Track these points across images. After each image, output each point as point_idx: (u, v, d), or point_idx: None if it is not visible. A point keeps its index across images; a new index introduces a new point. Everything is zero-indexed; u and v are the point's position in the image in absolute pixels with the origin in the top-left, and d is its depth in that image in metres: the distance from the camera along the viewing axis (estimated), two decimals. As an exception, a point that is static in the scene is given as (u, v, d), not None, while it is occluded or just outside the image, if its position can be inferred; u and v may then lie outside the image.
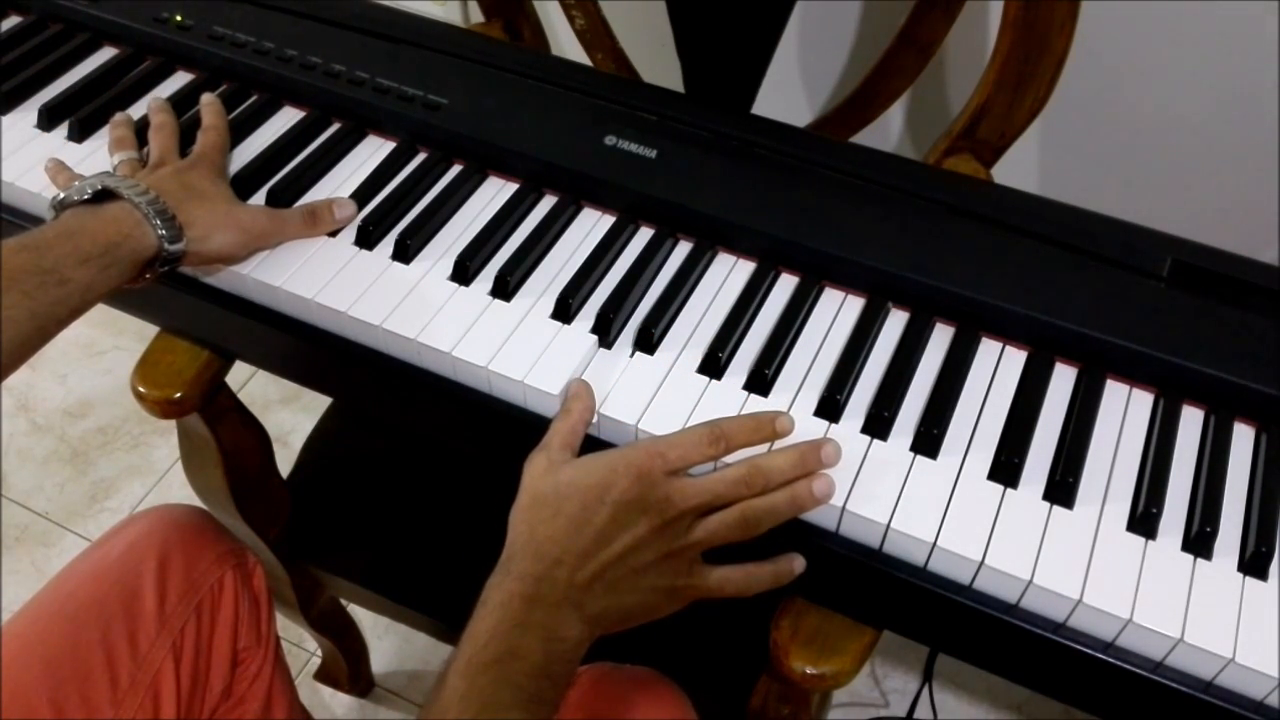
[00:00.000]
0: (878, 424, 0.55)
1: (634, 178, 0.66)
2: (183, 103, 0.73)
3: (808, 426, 0.55)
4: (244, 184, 0.67)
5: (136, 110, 0.72)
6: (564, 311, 0.61)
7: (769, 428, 0.54)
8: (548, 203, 0.68)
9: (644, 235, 0.66)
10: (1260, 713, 0.48)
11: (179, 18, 0.76)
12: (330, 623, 1.05)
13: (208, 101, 0.71)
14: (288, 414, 1.41)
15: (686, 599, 0.53)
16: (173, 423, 0.75)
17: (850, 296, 0.62)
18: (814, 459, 0.52)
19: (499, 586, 0.51)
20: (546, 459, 0.54)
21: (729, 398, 0.57)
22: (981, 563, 0.50)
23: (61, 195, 0.58)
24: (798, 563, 0.53)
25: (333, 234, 0.65)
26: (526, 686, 0.49)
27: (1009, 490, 0.53)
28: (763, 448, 0.54)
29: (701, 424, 0.53)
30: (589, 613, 0.51)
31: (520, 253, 0.63)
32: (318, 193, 0.68)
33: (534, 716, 0.49)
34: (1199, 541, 0.51)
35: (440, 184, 0.68)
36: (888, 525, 0.52)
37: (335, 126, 0.72)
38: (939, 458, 0.54)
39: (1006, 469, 0.54)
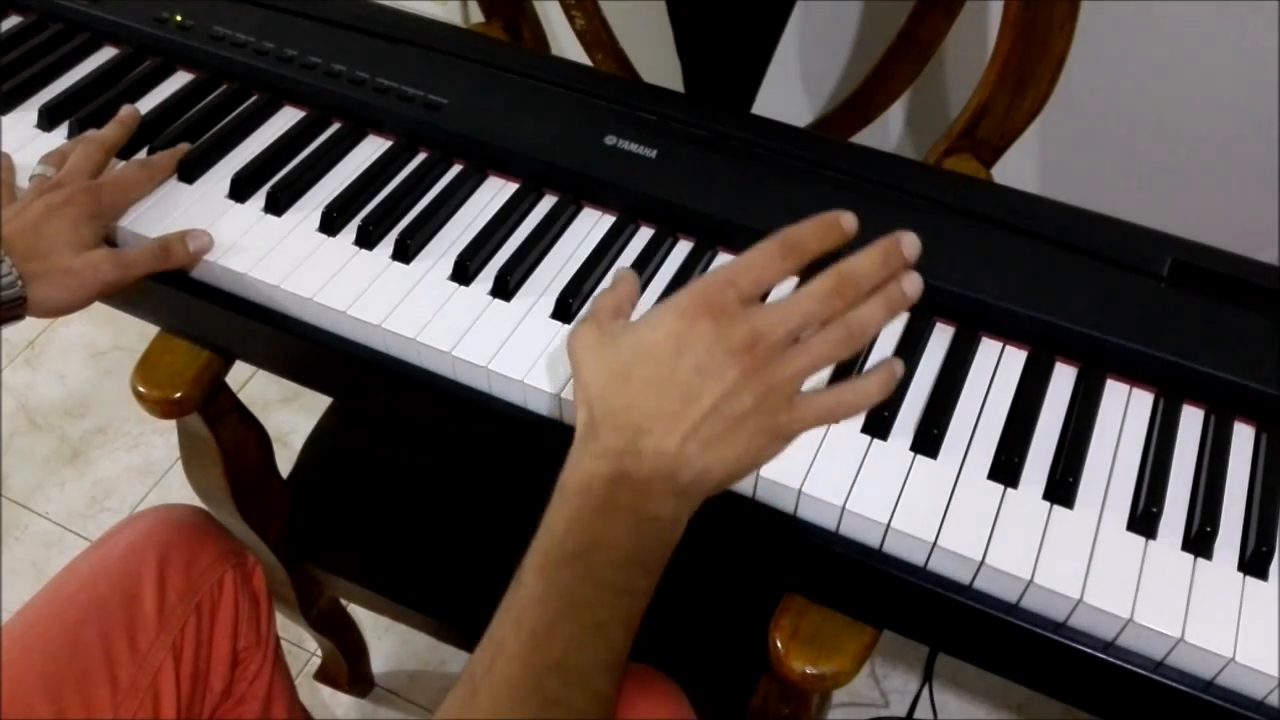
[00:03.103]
0: (878, 424, 0.55)
1: (634, 178, 0.66)
2: (182, 103, 0.73)
3: (808, 426, 0.55)
4: (244, 184, 0.67)
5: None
6: (564, 311, 0.61)
7: (838, 226, 0.48)
8: (548, 203, 0.68)
9: (644, 235, 0.66)
10: (1260, 712, 0.48)
11: (179, 18, 0.76)
12: (330, 623, 1.05)
13: (137, 160, 0.68)
14: (288, 414, 1.41)
15: (792, 435, 0.47)
16: (173, 423, 0.75)
17: (850, 296, 0.62)
18: (896, 254, 0.47)
19: (575, 468, 0.46)
20: (596, 329, 0.48)
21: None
22: (982, 562, 0.50)
23: None
24: (898, 365, 0.48)
25: (332, 234, 0.65)
26: (614, 579, 0.44)
27: (1009, 490, 0.53)
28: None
29: (766, 239, 0.47)
30: (682, 482, 0.45)
31: (520, 253, 0.63)
32: (318, 193, 0.68)
33: (625, 611, 0.45)
34: (1199, 541, 0.51)
35: (440, 184, 0.68)
36: (888, 525, 0.52)
37: (335, 126, 0.72)
38: (939, 457, 0.54)
39: (1007, 468, 0.54)
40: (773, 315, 0.46)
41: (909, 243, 0.47)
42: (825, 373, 0.56)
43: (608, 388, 0.47)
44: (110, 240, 0.66)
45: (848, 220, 0.48)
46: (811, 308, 0.46)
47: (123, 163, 0.69)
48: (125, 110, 0.70)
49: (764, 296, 0.49)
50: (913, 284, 0.47)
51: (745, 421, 0.45)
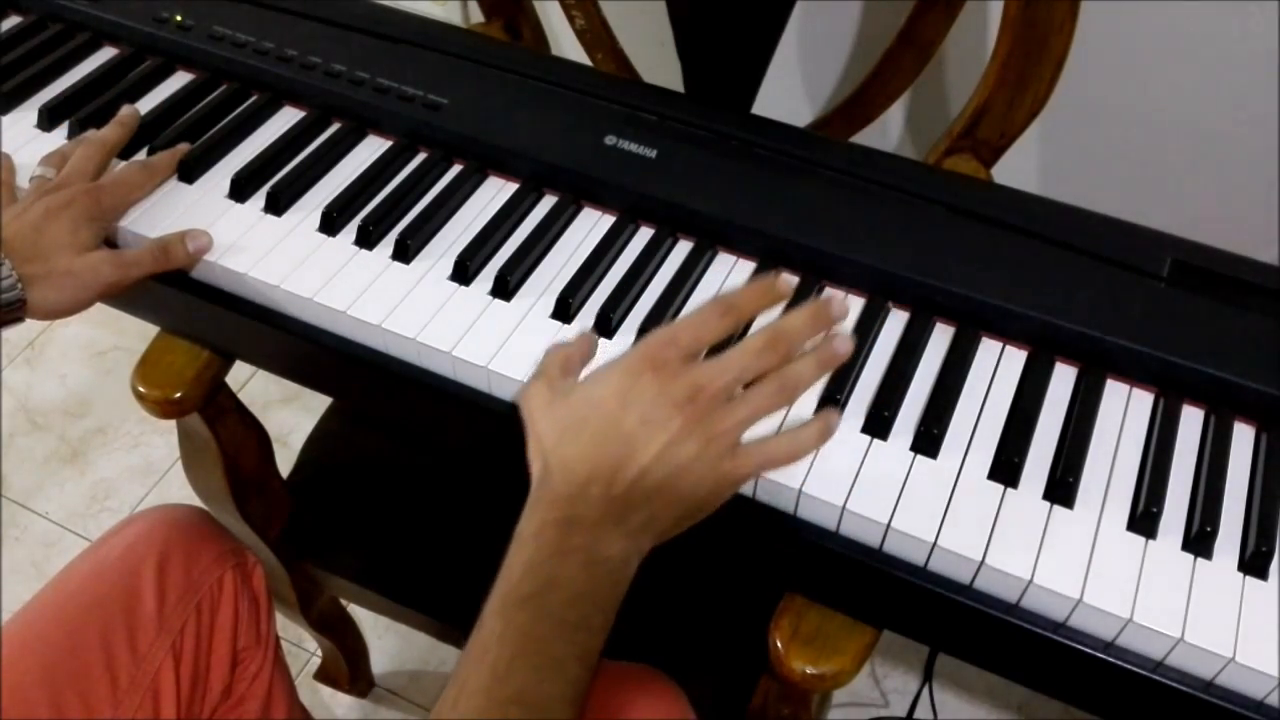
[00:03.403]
0: (878, 424, 0.55)
1: (634, 178, 0.66)
2: (182, 103, 0.73)
3: (808, 426, 0.55)
4: (244, 184, 0.67)
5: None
6: (564, 311, 0.61)
7: (773, 289, 0.51)
8: (548, 203, 0.68)
9: (644, 235, 0.66)
10: (1260, 712, 0.48)
11: (179, 18, 0.76)
12: (330, 623, 1.05)
13: (137, 161, 0.68)
14: (288, 414, 1.41)
15: (735, 484, 0.50)
16: (173, 423, 0.75)
17: (850, 296, 0.62)
18: (825, 314, 0.50)
19: (530, 519, 0.49)
20: (547, 388, 0.51)
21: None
22: (982, 562, 0.50)
23: None
24: (834, 418, 0.50)
25: (332, 234, 0.65)
26: (569, 617, 0.47)
27: (1009, 490, 0.53)
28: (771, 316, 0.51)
29: (707, 301, 0.51)
30: (632, 526, 0.48)
31: (520, 253, 0.63)
32: (318, 193, 0.68)
33: (581, 646, 0.48)
34: (1199, 541, 0.51)
35: (440, 184, 0.68)
36: (888, 525, 0.52)
37: (335, 126, 0.72)
38: (939, 457, 0.54)
39: (1007, 468, 0.54)
40: (711, 369, 0.48)
41: (837, 305, 0.50)
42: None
43: (560, 440, 0.49)
44: (111, 241, 0.66)
45: (783, 284, 0.51)
46: (746, 361, 0.49)
47: (123, 163, 0.69)
48: (125, 111, 0.70)
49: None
50: (844, 343, 0.50)
51: (690, 468, 0.48)
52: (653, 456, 0.47)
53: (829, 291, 0.52)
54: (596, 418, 0.48)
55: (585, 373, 0.54)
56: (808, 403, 0.57)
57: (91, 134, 0.69)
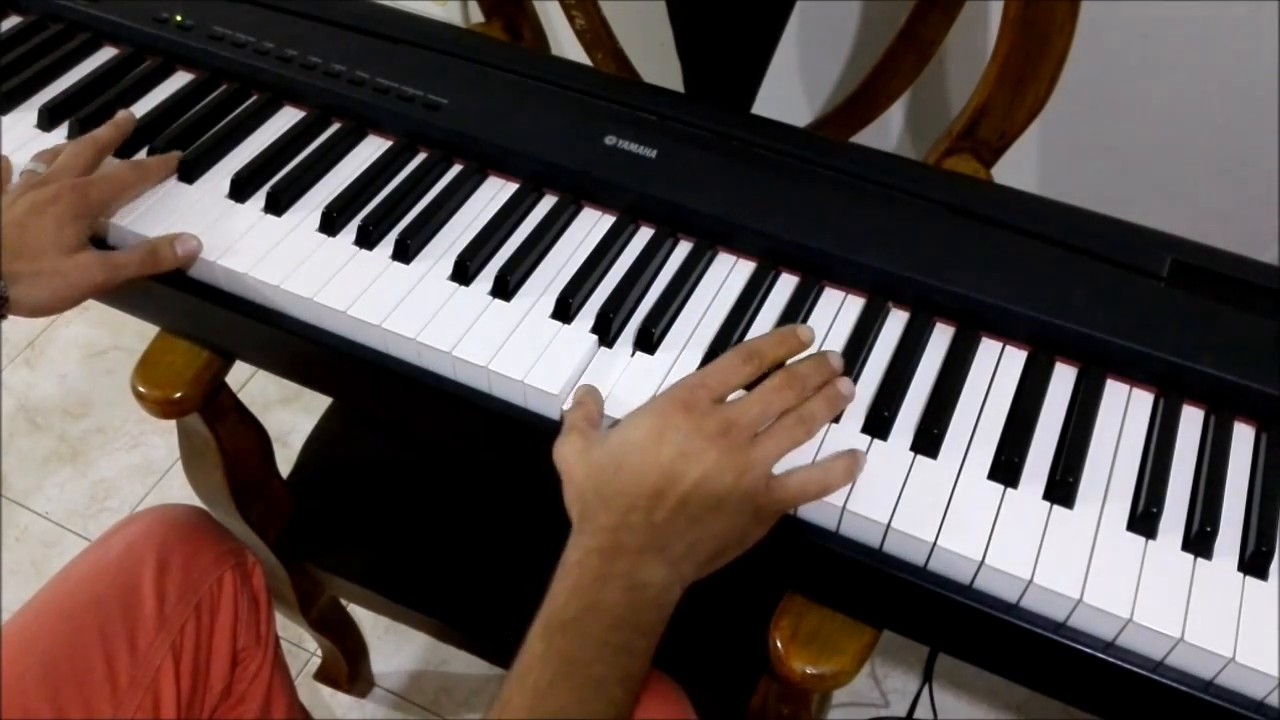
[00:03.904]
0: (878, 424, 0.55)
1: (634, 178, 0.66)
2: (182, 103, 0.73)
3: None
4: (244, 184, 0.67)
5: (138, 109, 0.72)
6: (564, 311, 0.61)
7: (794, 338, 0.56)
8: (548, 203, 0.68)
9: (644, 235, 0.66)
10: (1260, 712, 0.48)
11: (179, 18, 0.76)
12: (330, 623, 1.05)
13: (128, 160, 0.68)
14: (288, 414, 1.41)
15: (773, 515, 0.52)
16: (173, 423, 0.75)
17: (850, 296, 0.62)
18: (825, 364, 0.55)
19: (574, 547, 0.50)
20: (580, 438, 0.53)
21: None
22: (982, 562, 0.50)
23: None
24: (860, 457, 0.54)
25: (332, 234, 0.65)
26: (610, 640, 0.49)
27: (1009, 490, 0.53)
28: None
29: (732, 349, 0.55)
30: (674, 554, 0.50)
31: (520, 253, 0.63)
32: (318, 193, 0.68)
33: (622, 669, 0.49)
34: (1199, 541, 0.51)
35: (440, 184, 0.68)
36: (888, 525, 0.52)
37: (335, 126, 0.72)
38: (939, 457, 0.54)
39: (1007, 468, 0.54)
40: (739, 405, 0.52)
41: (834, 357, 0.56)
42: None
43: (599, 479, 0.51)
44: (103, 239, 0.66)
45: (805, 332, 0.57)
46: (768, 397, 0.53)
47: (115, 161, 0.69)
48: (121, 114, 0.70)
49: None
50: (847, 386, 0.56)
51: (728, 499, 0.50)
52: (692, 484, 0.50)
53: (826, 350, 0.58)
54: (634, 455, 0.50)
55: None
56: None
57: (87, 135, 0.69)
